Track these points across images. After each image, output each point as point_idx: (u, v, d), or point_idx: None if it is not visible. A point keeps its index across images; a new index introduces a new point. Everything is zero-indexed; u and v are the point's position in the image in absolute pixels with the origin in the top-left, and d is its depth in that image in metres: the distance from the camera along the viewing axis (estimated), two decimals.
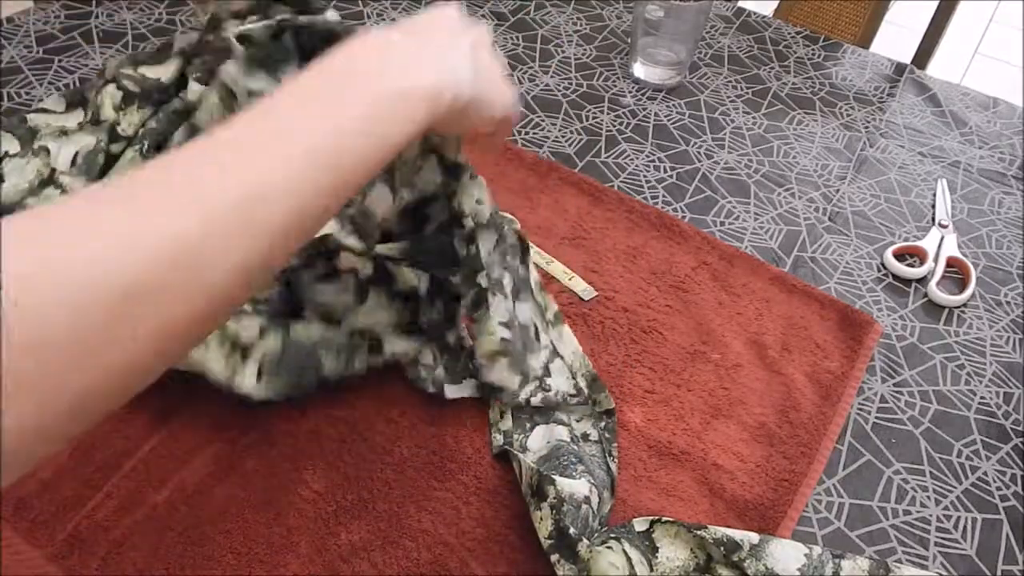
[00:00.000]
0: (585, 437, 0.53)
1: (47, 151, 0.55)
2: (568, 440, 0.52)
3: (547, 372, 0.55)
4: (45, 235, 0.25)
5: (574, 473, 0.48)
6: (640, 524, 0.47)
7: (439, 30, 0.40)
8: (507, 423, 0.53)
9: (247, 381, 0.49)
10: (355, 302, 0.53)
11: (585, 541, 0.43)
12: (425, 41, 0.39)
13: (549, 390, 0.54)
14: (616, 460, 0.52)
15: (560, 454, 0.50)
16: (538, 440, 0.52)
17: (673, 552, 0.45)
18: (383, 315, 0.53)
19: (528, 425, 0.53)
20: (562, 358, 0.56)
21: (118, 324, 0.25)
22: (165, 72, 0.56)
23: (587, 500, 0.46)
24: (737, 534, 0.44)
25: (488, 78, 0.42)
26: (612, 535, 0.46)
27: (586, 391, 0.55)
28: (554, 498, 0.45)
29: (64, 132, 0.57)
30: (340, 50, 0.36)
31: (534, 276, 0.58)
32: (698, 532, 0.45)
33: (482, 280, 0.51)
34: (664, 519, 0.47)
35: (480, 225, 0.50)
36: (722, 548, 0.44)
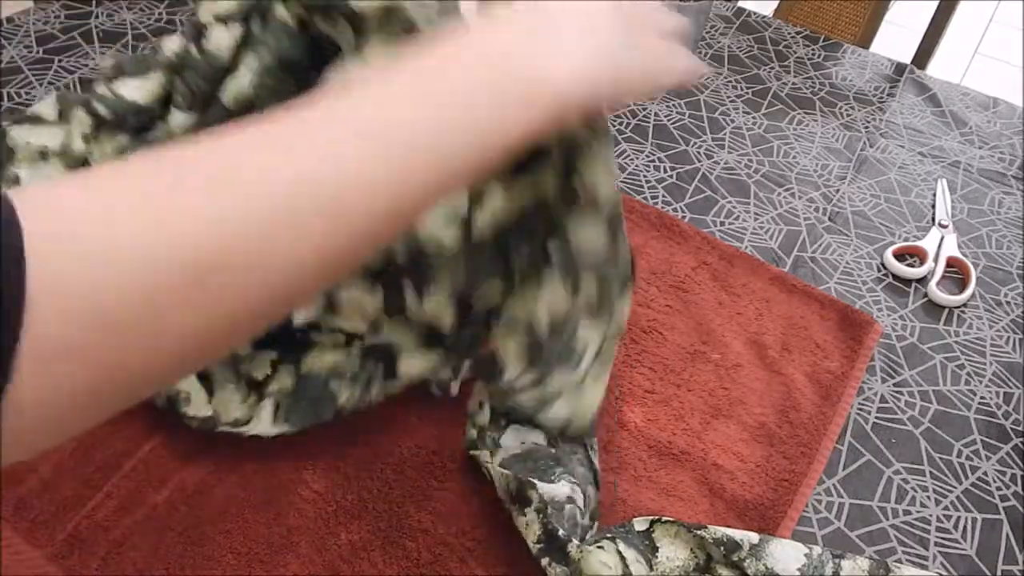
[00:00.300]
0: (562, 433, 0.51)
1: (18, 182, 0.51)
2: (544, 443, 0.50)
3: (559, 395, 0.50)
4: (83, 212, 0.24)
5: (552, 477, 0.47)
6: (640, 524, 0.47)
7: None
8: (484, 417, 0.51)
9: (263, 425, 0.48)
10: (368, 330, 0.50)
11: (575, 541, 0.43)
12: (554, 17, 0.32)
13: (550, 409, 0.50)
14: (596, 451, 0.51)
15: (537, 457, 0.49)
16: (511, 438, 0.51)
17: (673, 552, 0.45)
18: (399, 334, 0.50)
19: (503, 423, 0.51)
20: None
21: (155, 311, 0.25)
22: (144, 91, 0.50)
23: (570, 500, 0.46)
24: (737, 534, 0.44)
25: (645, 54, 0.35)
26: (607, 535, 0.45)
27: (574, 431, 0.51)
28: (539, 502, 0.44)
29: (43, 155, 0.52)
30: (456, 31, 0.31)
31: (623, 319, 0.48)
32: (698, 532, 0.45)
33: (552, 249, 0.43)
34: (664, 519, 0.47)
35: (589, 204, 0.41)
36: (722, 548, 0.44)
